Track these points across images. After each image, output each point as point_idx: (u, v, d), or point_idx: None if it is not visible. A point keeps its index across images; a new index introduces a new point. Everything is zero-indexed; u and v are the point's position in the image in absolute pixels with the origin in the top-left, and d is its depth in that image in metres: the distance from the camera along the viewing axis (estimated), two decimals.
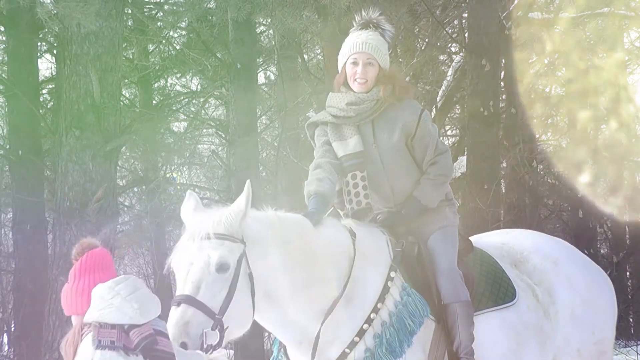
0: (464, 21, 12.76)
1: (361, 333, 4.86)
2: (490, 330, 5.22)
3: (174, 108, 16.21)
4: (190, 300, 4.43)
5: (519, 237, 5.87)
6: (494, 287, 5.34)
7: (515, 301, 5.35)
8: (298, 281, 4.77)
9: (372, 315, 4.89)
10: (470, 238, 5.61)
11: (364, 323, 4.87)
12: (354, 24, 5.43)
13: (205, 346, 4.38)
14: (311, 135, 5.48)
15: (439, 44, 13.91)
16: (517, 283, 5.45)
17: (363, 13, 5.43)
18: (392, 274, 5.00)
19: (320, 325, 4.81)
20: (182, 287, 4.51)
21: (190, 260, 4.51)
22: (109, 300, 4.22)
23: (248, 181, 4.68)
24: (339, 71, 5.37)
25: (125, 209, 17.42)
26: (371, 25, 5.38)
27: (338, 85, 5.36)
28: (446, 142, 16.60)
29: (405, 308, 4.91)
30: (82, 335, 4.25)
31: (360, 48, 5.27)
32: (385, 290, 4.94)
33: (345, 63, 5.32)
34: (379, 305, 4.91)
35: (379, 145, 5.24)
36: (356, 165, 5.24)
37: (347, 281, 4.90)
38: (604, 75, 12.75)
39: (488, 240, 5.76)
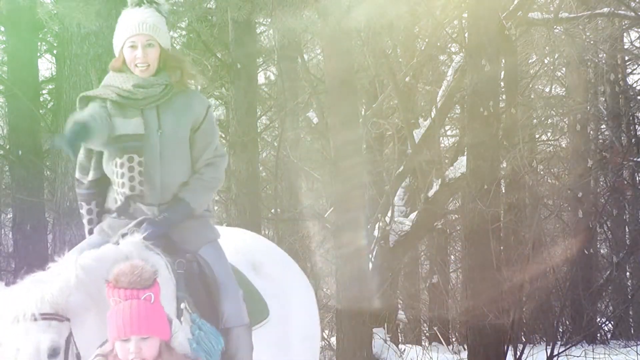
0: (464, 21, 12.75)
1: None
2: (260, 351, 4.85)
3: None
4: None
5: (246, 241, 5.45)
6: (251, 305, 4.87)
7: (269, 317, 5.03)
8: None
9: None
10: None
11: None
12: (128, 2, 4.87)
13: None
14: (82, 108, 4.77)
15: (439, 44, 13.91)
16: (266, 293, 5.10)
17: None
18: (182, 306, 4.49)
19: None
20: None
21: (17, 346, 3.99)
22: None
23: (76, 258, 4.26)
24: (116, 56, 4.86)
25: None
26: (145, 2, 4.81)
27: (114, 70, 4.84)
28: (446, 142, 16.55)
29: (200, 346, 4.43)
30: None
31: (137, 30, 4.75)
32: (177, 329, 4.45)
33: (123, 47, 4.81)
34: None
35: (164, 132, 4.72)
36: (135, 148, 4.68)
37: None
38: None
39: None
